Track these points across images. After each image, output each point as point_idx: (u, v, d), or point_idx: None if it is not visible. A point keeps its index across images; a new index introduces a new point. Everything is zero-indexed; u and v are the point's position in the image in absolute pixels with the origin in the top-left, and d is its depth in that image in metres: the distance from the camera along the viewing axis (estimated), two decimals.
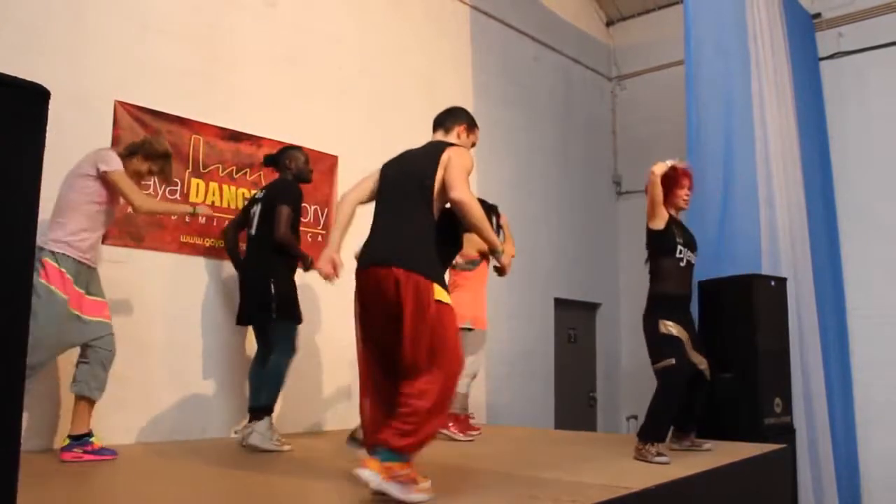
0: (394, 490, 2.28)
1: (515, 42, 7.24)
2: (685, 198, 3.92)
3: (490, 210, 4.62)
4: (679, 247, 3.74)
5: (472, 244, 4.16)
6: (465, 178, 2.69)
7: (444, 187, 2.66)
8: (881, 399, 6.56)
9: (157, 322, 4.22)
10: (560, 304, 7.43)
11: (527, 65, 7.37)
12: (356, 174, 5.44)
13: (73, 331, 3.21)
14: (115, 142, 4.08)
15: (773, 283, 5.57)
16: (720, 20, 6.08)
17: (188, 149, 4.44)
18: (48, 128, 1.35)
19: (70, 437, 3.27)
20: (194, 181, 4.47)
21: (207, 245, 4.48)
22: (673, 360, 3.56)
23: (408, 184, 2.69)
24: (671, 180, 3.84)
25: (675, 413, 3.62)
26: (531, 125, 7.26)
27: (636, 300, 8.14)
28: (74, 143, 3.73)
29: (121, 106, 4.12)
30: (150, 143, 3.59)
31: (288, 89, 4.95)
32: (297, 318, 3.99)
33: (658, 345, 3.67)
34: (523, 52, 7.34)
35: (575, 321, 7.79)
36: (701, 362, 3.85)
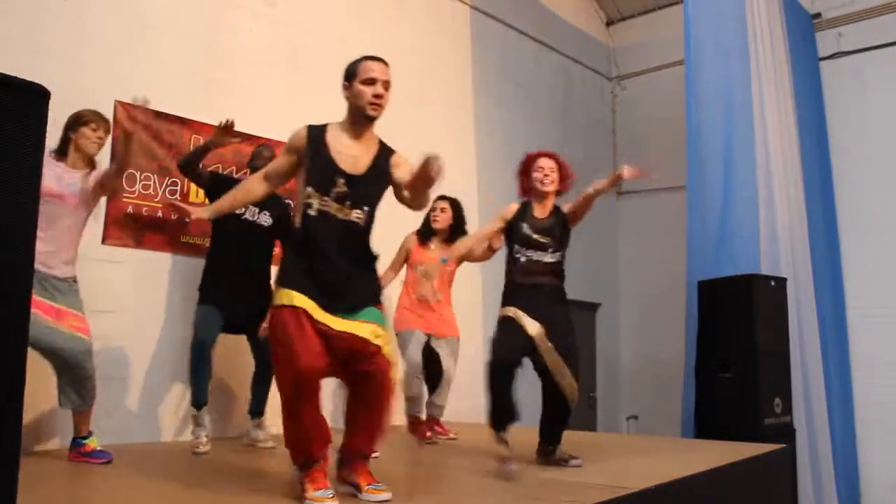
0: None
1: (515, 42, 7.24)
2: (543, 181, 3.49)
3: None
4: (516, 245, 3.45)
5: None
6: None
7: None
8: (881, 399, 6.56)
9: (157, 322, 4.22)
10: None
11: (527, 65, 7.37)
12: None
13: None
14: (116, 142, 4.08)
15: (773, 283, 5.57)
16: (720, 20, 6.08)
17: (188, 149, 4.43)
18: (48, 128, 1.35)
19: (74, 438, 3.29)
20: None
21: (207, 245, 4.47)
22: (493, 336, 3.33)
23: None
24: (525, 168, 3.61)
25: (504, 391, 3.23)
26: (531, 125, 7.26)
27: (636, 300, 8.22)
28: None
29: (121, 106, 4.12)
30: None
31: (288, 89, 4.95)
32: None
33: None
34: (523, 52, 7.33)
35: (575, 321, 7.77)
36: (560, 370, 3.32)
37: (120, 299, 4.01)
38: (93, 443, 3.28)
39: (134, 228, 4.17)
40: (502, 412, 3.26)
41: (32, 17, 3.81)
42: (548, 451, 3.45)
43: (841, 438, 6.41)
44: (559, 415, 3.41)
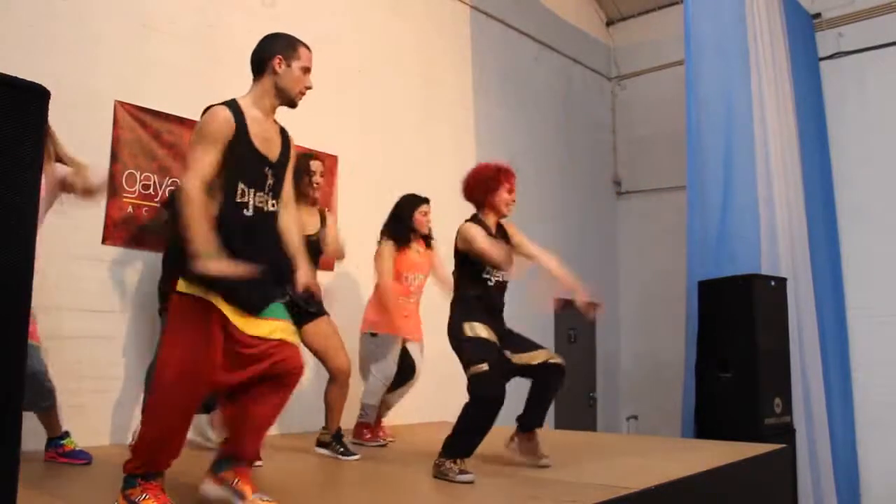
0: None
1: (515, 42, 7.24)
2: (508, 203, 3.42)
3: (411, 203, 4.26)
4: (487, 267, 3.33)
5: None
6: (194, 159, 2.25)
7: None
8: (881, 399, 6.55)
9: (157, 322, 4.22)
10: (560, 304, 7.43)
11: (527, 65, 7.37)
12: (356, 174, 5.49)
13: None
14: (116, 142, 4.08)
15: (773, 283, 5.57)
16: (720, 20, 6.08)
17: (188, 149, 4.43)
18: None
19: (49, 439, 3.24)
20: None
21: None
22: (485, 367, 3.08)
23: None
24: (490, 182, 3.39)
25: (488, 429, 3.08)
26: (531, 125, 7.26)
27: (636, 300, 8.22)
28: (74, 143, 3.73)
29: (121, 106, 4.12)
30: None
31: None
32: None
33: (465, 349, 3.21)
34: (523, 52, 7.33)
35: (575, 321, 7.77)
36: (531, 356, 3.34)
37: (120, 299, 4.01)
38: (71, 443, 3.23)
39: (134, 228, 4.17)
40: (471, 448, 3.08)
41: (33, 17, 3.81)
42: (529, 437, 3.37)
43: (841, 438, 6.41)
44: (553, 381, 3.38)
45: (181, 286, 2.22)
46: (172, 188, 4.16)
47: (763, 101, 6.04)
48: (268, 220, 2.35)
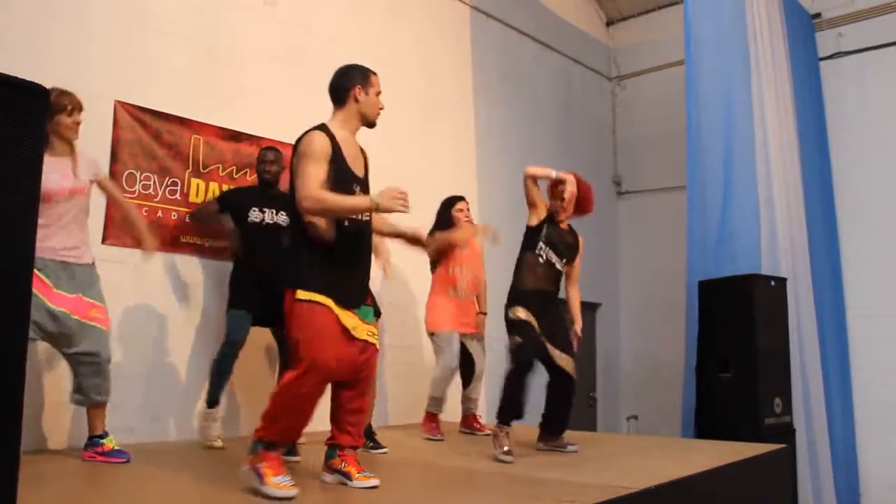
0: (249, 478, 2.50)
1: (515, 42, 7.24)
2: (556, 207, 3.88)
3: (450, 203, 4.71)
4: (541, 243, 3.82)
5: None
6: (307, 174, 2.53)
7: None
8: (881, 399, 6.55)
9: (157, 322, 4.22)
10: (560, 304, 7.42)
11: (527, 65, 7.37)
12: None
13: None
14: (116, 142, 4.08)
15: (772, 283, 5.58)
16: (720, 20, 6.08)
17: (188, 149, 4.43)
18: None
19: (89, 437, 3.26)
20: (194, 181, 4.46)
21: (207, 245, 4.48)
22: (518, 338, 3.64)
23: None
24: (553, 187, 3.90)
25: (525, 395, 3.62)
26: (531, 125, 7.26)
27: (636, 300, 8.22)
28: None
29: (121, 106, 4.12)
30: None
31: (288, 89, 4.94)
32: None
33: (508, 329, 3.77)
34: (523, 52, 7.33)
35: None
36: (561, 358, 3.79)
37: (120, 299, 4.01)
38: (110, 442, 3.24)
39: (134, 228, 4.16)
40: (514, 408, 3.58)
41: (33, 16, 3.81)
42: (552, 437, 3.82)
43: (841, 438, 6.41)
44: (565, 392, 3.81)
45: (301, 294, 2.54)
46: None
47: (763, 101, 6.04)
48: (363, 231, 2.71)
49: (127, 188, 4.12)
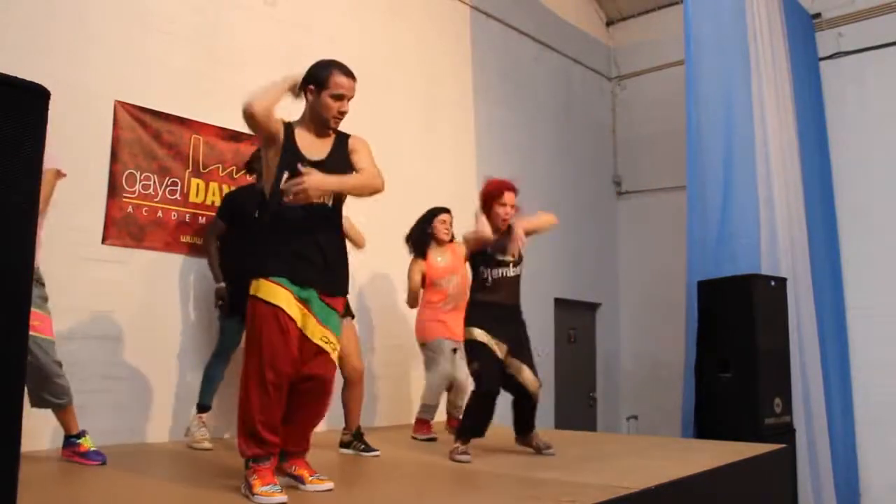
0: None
1: (515, 42, 7.24)
2: (504, 217, 3.71)
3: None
4: (481, 267, 3.73)
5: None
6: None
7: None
8: (881, 399, 6.55)
9: (157, 322, 4.22)
10: (560, 304, 7.43)
11: (527, 65, 7.37)
12: None
13: None
14: (116, 142, 4.08)
15: (772, 283, 5.58)
16: (720, 20, 6.08)
17: (188, 149, 4.43)
18: (48, 128, 1.35)
19: (65, 436, 3.23)
20: (194, 181, 4.46)
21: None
22: (476, 366, 3.61)
23: None
24: (491, 197, 3.77)
25: (488, 419, 3.65)
26: (531, 125, 7.26)
27: (636, 300, 8.22)
28: (74, 143, 3.73)
29: (121, 106, 4.12)
30: None
31: None
32: None
33: (467, 351, 3.76)
34: (523, 52, 7.33)
35: (575, 321, 7.79)
36: (522, 372, 3.65)
37: (120, 299, 4.01)
38: (87, 443, 3.20)
39: (134, 228, 4.17)
40: (475, 429, 3.64)
41: (33, 16, 3.81)
42: (526, 438, 3.80)
43: (841, 438, 6.41)
44: (528, 407, 3.76)
45: (255, 290, 2.58)
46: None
47: (763, 101, 6.04)
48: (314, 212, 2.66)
49: (127, 188, 4.13)
